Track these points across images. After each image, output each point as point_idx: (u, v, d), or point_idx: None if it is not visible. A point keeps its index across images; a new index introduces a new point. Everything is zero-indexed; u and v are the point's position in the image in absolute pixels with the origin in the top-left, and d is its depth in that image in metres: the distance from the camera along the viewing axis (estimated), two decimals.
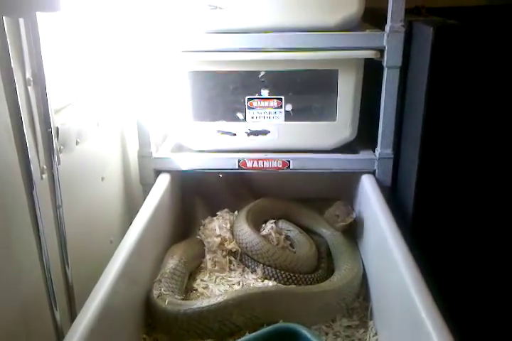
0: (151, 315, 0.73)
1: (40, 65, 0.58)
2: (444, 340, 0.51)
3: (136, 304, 0.71)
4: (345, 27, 0.89)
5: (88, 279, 0.62)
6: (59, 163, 0.64)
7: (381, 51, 0.88)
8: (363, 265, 0.85)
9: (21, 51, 0.56)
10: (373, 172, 0.94)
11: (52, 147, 0.60)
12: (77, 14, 0.76)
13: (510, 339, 0.85)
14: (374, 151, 0.95)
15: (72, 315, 0.67)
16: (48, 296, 0.60)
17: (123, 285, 0.64)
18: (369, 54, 0.88)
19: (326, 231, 0.95)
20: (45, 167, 0.61)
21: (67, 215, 0.66)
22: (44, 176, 0.61)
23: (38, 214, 0.56)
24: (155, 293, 0.74)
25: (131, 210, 0.96)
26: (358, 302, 0.80)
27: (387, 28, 0.86)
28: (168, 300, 0.72)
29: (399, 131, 0.93)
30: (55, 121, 0.64)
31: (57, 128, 0.64)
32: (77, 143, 0.71)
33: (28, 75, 0.58)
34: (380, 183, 0.92)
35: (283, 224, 0.97)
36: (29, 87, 0.58)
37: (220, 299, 0.70)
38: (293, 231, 0.95)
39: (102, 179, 0.83)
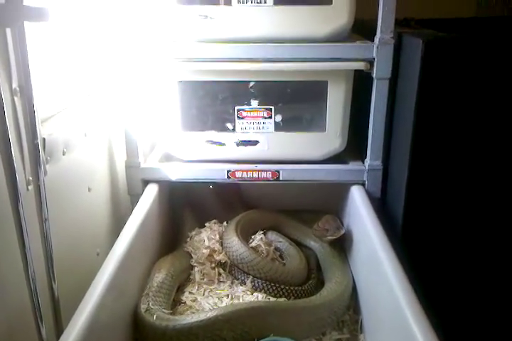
0: (139, 330, 0.71)
1: (27, 75, 0.57)
2: None
3: (123, 318, 0.69)
4: (335, 38, 0.89)
5: (74, 293, 0.61)
6: (45, 174, 0.63)
7: (370, 62, 0.88)
8: (353, 277, 0.85)
9: (8, 61, 0.55)
10: (363, 184, 0.94)
11: (39, 158, 0.59)
12: (66, 23, 0.75)
13: None
14: (363, 162, 0.95)
15: (59, 329, 0.65)
16: (33, 311, 0.58)
17: (110, 299, 0.63)
18: (358, 65, 0.88)
19: (315, 244, 0.94)
20: (31, 178, 0.59)
21: (53, 227, 0.64)
22: (30, 188, 0.59)
23: (23, 227, 0.54)
24: (142, 307, 0.72)
25: (118, 221, 0.94)
26: (348, 315, 0.80)
27: (376, 39, 0.86)
28: (156, 314, 0.71)
29: (388, 142, 0.93)
30: (42, 131, 0.63)
31: (44, 139, 0.62)
32: (63, 153, 0.70)
33: (15, 85, 0.57)
34: (369, 194, 0.92)
35: (272, 236, 0.97)
36: (15, 98, 0.57)
37: (209, 314, 0.69)
38: (283, 243, 0.95)
39: (89, 190, 0.82)
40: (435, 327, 0.55)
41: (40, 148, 0.60)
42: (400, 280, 0.63)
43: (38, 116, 0.60)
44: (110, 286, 0.63)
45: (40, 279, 0.61)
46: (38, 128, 0.59)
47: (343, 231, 0.88)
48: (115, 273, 0.65)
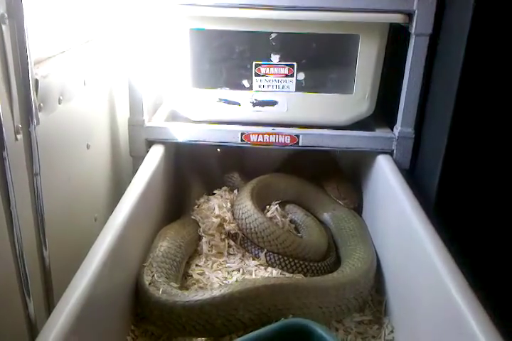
0: (141, 305, 0.64)
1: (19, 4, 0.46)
2: None
3: (123, 292, 0.61)
4: None
5: (68, 262, 0.52)
6: (38, 123, 0.53)
7: (410, 15, 0.78)
8: (376, 253, 0.77)
9: None
10: (391, 153, 0.85)
11: (30, 103, 0.49)
12: None
13: None
14: (393, 130, 0.86)
15: (50, 305, 0.57)
16: (19, 283, 0.49)
17: (109, 271, 0.54)
18: (396, 18, 0.78)
19: (331, 214, 0.86)
20: (20, 126, 0.50)
21: (46, 186, 0.55)
22: (19, 137, 0.50)
23: (9, 181, 0.45)
24: (146, 279, 0.64)
25: (118, 185, 0.85)
26: (371, 296, 0.72)
27: None
28: (162, 288, 0.63)
29: (423, 107, 0.83)
30: (35, 72, 0.53)
31: (37, 81, 0.52)
32: (59, 101, 0.60)
33: (2, 10, 0.46)
34: (397, 165, 0.83)
35: (287, 206, 0.88)
36: (3, 26, 0.47)
37: (223, 291, 0.61)
38: (298, 214, 0.87)
39: (88, 147, 0.72)
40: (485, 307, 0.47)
41: (32, 90, 0.50)
42: (443, 258, 0.56)
43: (30, 50, 0.50)
44: (109, 256, 0.54)
45: (29, 245, 0.52)
46: (30, 66, 0.49)
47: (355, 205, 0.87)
48: (115, 242, 0.57)
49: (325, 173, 0.95)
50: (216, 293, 0.61)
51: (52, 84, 0.57)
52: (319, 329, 0.57)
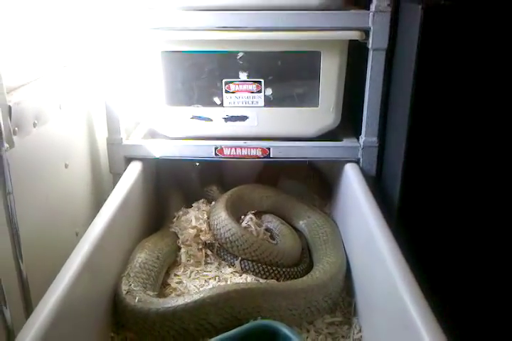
0: (119, 313, 0.67)
1: None
2: (435, 337, 0.47)
3: (102, 300, 0.65)
4: (329, 6, 0.84)
5: (50, 274, 0.56)
6: (12, 146, 0.57)
7: (366, 32, 0.83)
8: (347, 258, 0.81)
9: None
10: (357, 161, 0.89)
11: (0, 127, 0.54)
12: None
13: (502, 332, 0.82)
14: (358, 139, 0.90)
15: (29, 313, 0.60)
16: None
17: (86, 280, 0.58)
18: (353, 35, 0.83)
19: (305, 222, 0.90)
20: None
21: (22, 203, 0.59)
22: None
23: None
24: (124, 288, 0.68)
25: (100, 201, 0.89)
26: (341, 297, 0.76)
27: (372, 7, 0.81)
28: (138, 297, 0.67)
29: (384, 117, 0.88)
30: (8, 99, 0.58)
31: (10, 107, 0.57)
32: (34, 125, 0.64)
33: None
34: (364, 172, 0.87)
35: (263, 216, 0.92)
36: None
37: (195, 297, 0.64)
38: (274, 223, 0.90)
39: (66, 166, 0.76)
40: (434, 310, 0.51)
41: (3, 116, 0.54)
42: (396, 261, 0.59)
43: (1, 81, 0.54)
44: (85, 266, 0.58)
45: (4, 258, 0.56)
46: (1, 95, 0.53)
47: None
48: (91, 253, 0.61)
49: (300, 172, 1.00)
50: (188, 299, 0.65)
51: (27, 109, 0.62)
52: (283, 329, 0.60)
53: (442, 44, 0.74)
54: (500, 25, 0.73)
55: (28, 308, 0.61)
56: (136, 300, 0.66)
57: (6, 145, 0.55)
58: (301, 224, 0.92)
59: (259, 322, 0.63)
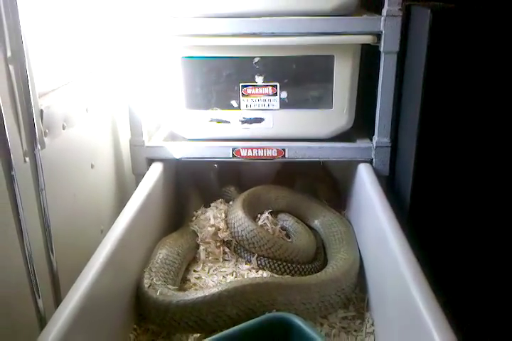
0: (142, 306, 0.71)
1: (19, 40, 0.55)
2: (443, 333, 0.49)
3: (125, 294, 0.69)
4: (342, 12, 0.86)
5: (77, 267, 0.60)
6: (43, 147, 0.62)
7: (378, 36, 0.85)
8: (360, 255, 0.83)
9: (1, 27, 0.54)
10: (370, 161, 0.92)
11: (34, 129, 0.58)
12: None
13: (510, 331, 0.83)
14: (371, 140, 0.93)
15: (58, 302, 0.64)
16: (29, 282, 0.58)
17: (110, 274, 0.62)
18: (365, 39, 0.86)
19: (320, 221, 0.93)
20: (28, 150, 0.59)
21: (52, 200, 0.64)
22: (27, 159, 0.59)
23: (17, 197, 0.53)
24: (146, 282, 0.72)
25: (123, 200, 0.93)
26: (355, 293, 0.78)
27: (384, 11, 0.84)
28: (159, 290, 0.70)
29: (397, 118, 0.90)
30: (40, 103, 0.62)
31: (42, 111, 0.62)
32: (63, 127, 0.69)
33: (9, 53, 0.55)
34: (377, 172, 0.89)
35: (279, 215, 0.95)
36: (10, 67, 0.56)
37: (213, 290, 0.68)
38: (289, 221, 0.93)
39: (92, 166, 0.81)
40: (442, 306, 0.53)
41: (36, 119, 0.59)
42: (407, 259, 0.61)
43: (34, 86, 0.59)
44: (110, 261, 0.62)
45: (37, 250, 0.61)
46: (32, 98, 0.58)
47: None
48: (115, 249, 0.64)
49: (317, 180, 1.03)
50: (207, 292, 0.68)
51: (56, 112, 0.67)
52: (297, 321, 0.63)
53: (451, 46, 0.76)
54: (507, 28, 0.74)
55: (58, 298, 0.65)
56: (158, 293, 0.69)
57: (39, 146, 0.60)
58: (316, 223, 0.95)
59: (274, 314, 0.66)
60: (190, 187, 1.01)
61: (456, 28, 0.75)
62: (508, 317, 0.83)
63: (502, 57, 0.76)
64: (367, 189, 0.84)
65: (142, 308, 0.71)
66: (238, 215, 0.86)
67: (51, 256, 0.63)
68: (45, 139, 0.63)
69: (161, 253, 0.78)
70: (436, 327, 0.50)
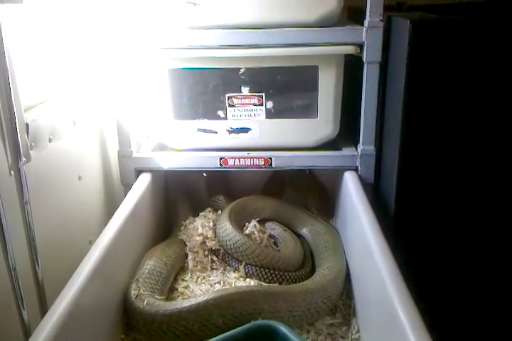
0: (129, 316, 0.71)
1: (2, 55, 0.56)
2: (420, 337, 0.50)
3: (112, 304, 0.69)
4: (325, 23, 0.88)
5: (64, 279, 0.61)
6: (29, 160, 0.63)
7: (361, 46, 0.87)
8: (347, 263, 0.84)
9: None
10: (356, 169, 0.93)
11: (18, 142, 0.59)
12: (51, 7, 0.75)
13: (488, 335, 0.84)
14: (356, 148, 0.94)
15: (44, 314, 0.65)
16: (14, 294, 0.58)
17: (97, 284, 0.63)
18: (348, 49, 0.88)
19: (308, 229, 0.94)
20: (13, 163, 0.59)
21: (38, 213, 0.64)
22: (12, 172, 0.60)
23: (1, 209, 0.54)
24: (133, 293, 0.72)
25: (112, 211, 0.94)
26: (341, 300, 0.79)
27: (366, 23, 0.86)
28: (146, 300, 0.71)
29: (381, 126, 0.92)
30: (26, 117, 0.63)
31: (27, 124, 0.63)
32: (50, 140, 0.70)
33: None
34: (362, 180, 0.91)
35: (267, 223, 0.96)
36: None
37: (200, 299, 0.69)
38: (276, 230, 0.94)
39: (80, 178, 0.82)
40: (424, 314, 0.54)
41: (20, 133, 0.60)
42: (389, 268, 0.62)
43: (19, 99, 0.60)
44: (97, 271, 0.63)
45: (22, 262, 0.61)
46: (16, 112, 0.59)
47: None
48: (102, 259, 0.65)
49: (306, 188, 1.04)
50: (193, 301, 0.69)
51: (42, 126, 0.68)
52: (283, 329, 0.63)
53: (431, 56, 0.78)
54: (486, 38, 0.76)
55: (44, 310, 0.66)
56: (145, 303, 0.70)
57: (24, 159, 0.61)
58: (305, 231, 0.95)
59: (260, 322, 0.66)
60: (179, 197, 1.02)
61: (436, 38, 0.77)
62: (489, 325, 0.84)
63: (481, 67, 0.77)
64: (352, 197, 0.85)
65: (129, 318, 0.71)
66: (225, 226, 0.87)
67: (36, 268, 0.63)
68: (31, 152, 0.64)
69: (149, 264, 0.79)
70: (415, 334, 0.51)
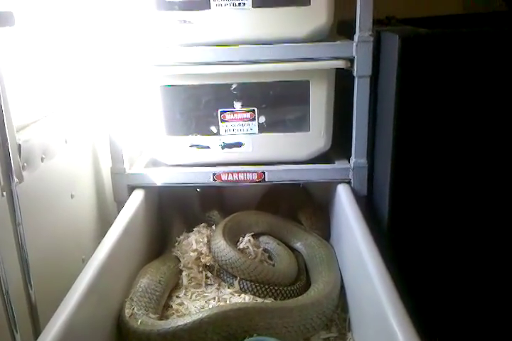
0: (123, 336, 0.71)
1: None
2: None
3: (106, 324, 0.69)
4: (315, 38, 0.89)
5: (58, 300, 0.60)
6: (21, 181, 0.63)
7: (351, 61, 0.88)
8: (342, 276, 0.84)
9: None
10: (349, 182, 0.94)
11: (11, 163, 0.59)
12: (43, 27, 0.76)
13: None
14: (349, 161, 0.95)
15: (37, 336, 0.64)
16: (6, 316, 0.58)
17: (91, 304, 0.62)
18: (339, 64, 0.88)
19: (303, 243, 0.94)
20: (5, 184, 0.59)
21: (31, 233, 0.64)
22: (4, 193, 0.59)
23: None
24: (127, 312, 0.72)
25: (105, 228, 0.94)
26: (337, 314, 0.79)
27: (355, 37, 0.87)
28: (140, 320, 0.70)
29: (373, 139, 0.92)
30: (18, 138, 0.63)
31: (20, 146, 0.63)
32: (42, 160, 0.70)
33: None
34: (355, 193, 0.91)
35: (261, 237, 0.96)
36: None
37: (194, 317, 0.68)
38: (271, 244, 0.94)
39: (72, 196, 0.82)
40: (419, 326, 0.54)
41: (12, 154, 0.60)
42: (383, 281, 0.62)
43: (11, 120, 0.60)
44: (90, 291, 0.62)
45: (15, 284, 0.61)
46: (8, 134, 0.59)
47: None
48: (96, 278, 0.65)
49: (299, 206, 1.03)
50: (187, 319, 0.68)
51: (35, 146, 0.68)
52: None
53: (420, 70, 0.79)
54: (475, 51, 0.77)
55: (37, 332, 0.65)
56: (139, 323, 0.70)
57: (16, 180, 0.60)
58: (299, 245, 0.95)
59: (255, 338, 0.66)
60: (173, 212, 1.02)
61: (425, 53, 0.78)
62: (484, 336, 0.84)
63: (470, 80, 0.78)
64: (345, 210, 0.85)
65: (124, 338, 0.71)
66: (219, 242, 0.87)
67: (29, 289, 0.63)
68: (24, 173, 0.64)
69: (143, 282, 0.78)
70: None
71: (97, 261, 0.68)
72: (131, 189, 0.95)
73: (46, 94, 0.77)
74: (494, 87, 0.79)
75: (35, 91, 0.73)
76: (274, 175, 0.94)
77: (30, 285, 0.63)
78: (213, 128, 0.95)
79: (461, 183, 0.82)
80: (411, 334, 0.52)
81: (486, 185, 0.82)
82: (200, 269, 0.87)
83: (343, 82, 0.94)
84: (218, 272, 0.87)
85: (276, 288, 0.82)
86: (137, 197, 0.92)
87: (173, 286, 0.86)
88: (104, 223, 0.95)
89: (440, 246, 0.84)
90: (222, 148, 0.96)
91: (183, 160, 0.97)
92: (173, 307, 0.81)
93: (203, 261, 0.87)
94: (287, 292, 0.82)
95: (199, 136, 0.96)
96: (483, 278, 0.85)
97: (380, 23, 0.99)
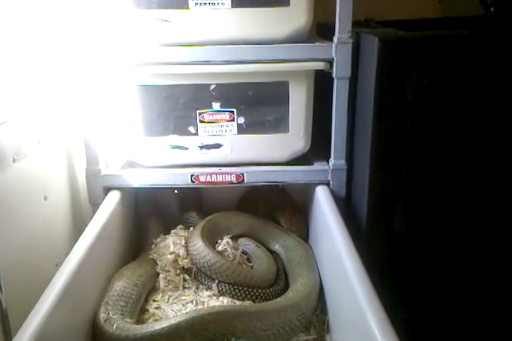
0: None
1: None
2: None
3: (81, 329, 0.67)
4: (294, 39, 0.89)
5: (30, 305, 0.58)
6: None
7: (330, 62, 0.88)
8: (320, 277, 0.84)
9: None
10: (328, 184, 0.93)
11: None
12: (16, 23, 0.73)
13: None
14: (328, 162, 0.94)
15: None
16: None
17: (64, 309, 0.60)
18: (318, 65, 0.88)
19: (281, 245, 0.93)
20: None
21: (2, 236, 0.62)
22: None
23: None
24: (102, 316, 0.70)
25: (80, 231, 0.91)
26: (316, 316, 0.79)
27: (335, 39, 0.87)
28: (116, 324, 0.69)
29: (351, 141, 0.93)
30: None
31: None
32: (14, 160, 0.68)
33: None
34: (334, 194, 0.91)
35: (240, 239, 0.95)
36: None
37: (171, 321, 0.67)
38: (249, 246, 0.93)
39: (45, 198, 0.79)
40: (397, 328, 0.54)
41: None
42: (361, 282, 0.62)
43: None
44: (64, 296, 0.60)
45: None
46: None
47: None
48: (69, 283, 0.63)
49: (278, 207, 1.03)
50: (164, 323, 0.67)
51: (6, 146, 0.65)
52: None
53: (399, 72, 0.79)
54: (454, 53, 0.78)
55: (8, 339, 0.63)
56: (114, 328, 0.68)
57: None
58: (277, 247, 0.95)
59: None
60: (150, 214, 1.00)
61: (404, 55, 0.79)
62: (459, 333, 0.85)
63: (450, 82, 0.79)
64: (324, 211, 0.85)
65: None
66: (197, 244, 0.86)
67: (0, 295, 0.61)
68: None
69: (118, 286, 0.77)
70: None
71: (70, 265, 0.66)
72: (107, 190, 0.93)
73: (18, 93, 0.74)
74: (473, 89, 0.80)
75: (4, 90, 0.71)
76: (253, 176, 0.93)
77: (1, 291, 0.61)
78: (192, 129, 0.94)
79: (440, 184, 0.83)
80: (390, 335, 0.52)
81: (465, 185, 0.83)
82: (178, 272, 0.86)
83: (322, 83, 0.94)
84: (196, 275, 0.86)
85: (254, 290, 0.82)
86: (113, 199, 0.90)
87: (150, 290, 0.84)
88: (78, 226, 0.93)
89: (418, 246, 0.85)
90: (201, 149, 0.95)
91: (160, 162, 0.96)
92: (150, 311, 0.79)
93: (180, 263, 0.86)
94: (266, 294, 0.82)
95: (177, 137, 0.95)
96: (464, 283, 0.85)
97: (359, 25, 0.99)
